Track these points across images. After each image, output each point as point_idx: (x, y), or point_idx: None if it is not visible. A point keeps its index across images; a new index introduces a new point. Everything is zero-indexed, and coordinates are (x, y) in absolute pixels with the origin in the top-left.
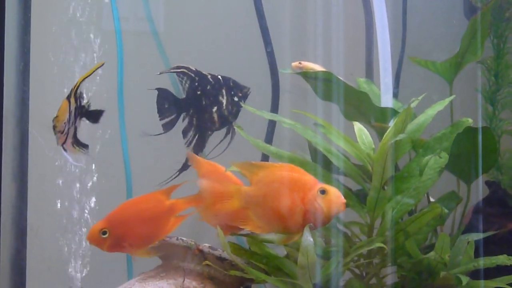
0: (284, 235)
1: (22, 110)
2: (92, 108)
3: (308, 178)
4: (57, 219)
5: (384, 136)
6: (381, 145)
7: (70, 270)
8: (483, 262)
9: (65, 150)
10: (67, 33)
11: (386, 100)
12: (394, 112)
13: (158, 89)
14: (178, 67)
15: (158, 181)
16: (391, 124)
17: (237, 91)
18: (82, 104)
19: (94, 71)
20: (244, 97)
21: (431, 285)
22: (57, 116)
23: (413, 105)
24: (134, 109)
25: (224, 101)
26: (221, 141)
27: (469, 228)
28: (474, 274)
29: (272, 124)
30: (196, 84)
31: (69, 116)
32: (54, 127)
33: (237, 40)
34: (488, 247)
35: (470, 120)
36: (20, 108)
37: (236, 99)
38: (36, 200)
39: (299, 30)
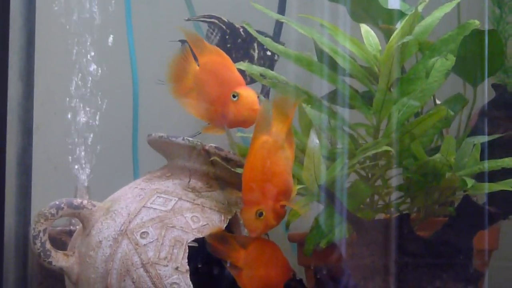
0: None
1: (29, 9)
2: None
3: (233, 76)
4: (63, 118)
5: (391, 38)
6: (388, 47)
7: (75, 169)
8: (488, 164)
9: None
10: None
11: (394, 1)
12: (401, 14)
13: (182, 41)
14: (209, 16)
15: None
16: (398, 26)
17: None
18: None
19: None
20: None
21: (436, 187)
22: None
23: (420, 7)
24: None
25: (256, 55)
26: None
27: (475, 130)
28: (479, 177)
29: (279, 26)
30: (227, 37)
31: None
32: None
33: None
34: (493, 150)
35: (477, 22)
36: (27, 6)
37: (269, 53)
38: (42, 99)
39: None
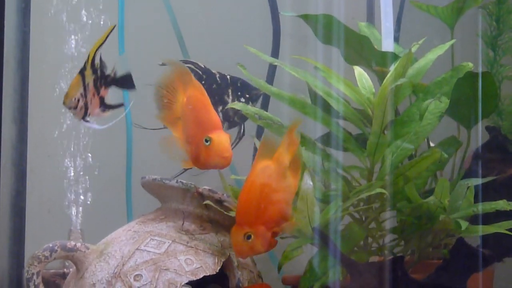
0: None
1: (23, 52)
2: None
3: (210, 118)
4: (57, 161)
5: (385, 80)
6: (382, 89)
7: (69, 212)
8: (482, 207)
9: (86, 121)
10: None
11: (387, 44)
12: (395, 56)
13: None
14: (185, 62)
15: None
16: (392, 68)
17: (245, 92)
18: (106, 73)
19: (105, 38)
20: (253, 99)
21: (430, 230)
22: (66, 93)
23: (413, 49)
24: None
25: (230, 101)
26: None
27: (469, 173)
28: (473, 219)
29: (272, 68)
30: (203, 82)
31: (85, 89)
32: (64, 103)
33: None
34: (487, 193)
35: (471, 65)
36: (21, 49)
37: (243, 100)
38: (36, 142)
39: None
